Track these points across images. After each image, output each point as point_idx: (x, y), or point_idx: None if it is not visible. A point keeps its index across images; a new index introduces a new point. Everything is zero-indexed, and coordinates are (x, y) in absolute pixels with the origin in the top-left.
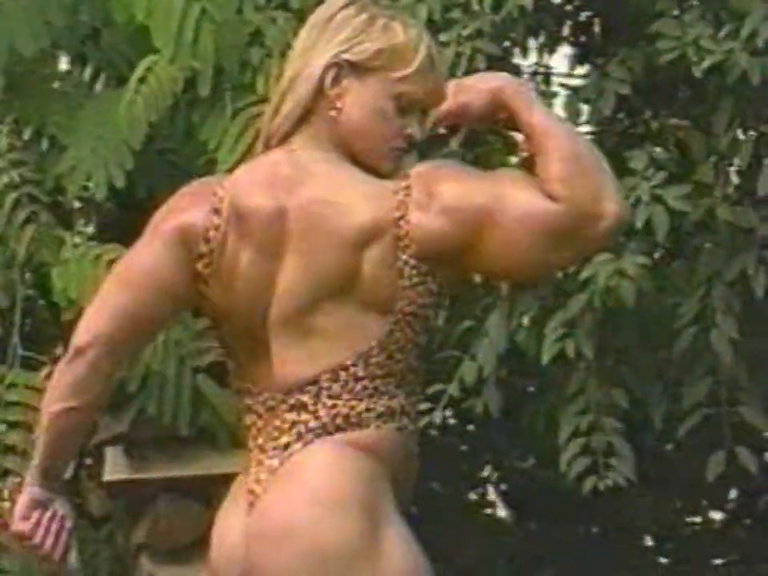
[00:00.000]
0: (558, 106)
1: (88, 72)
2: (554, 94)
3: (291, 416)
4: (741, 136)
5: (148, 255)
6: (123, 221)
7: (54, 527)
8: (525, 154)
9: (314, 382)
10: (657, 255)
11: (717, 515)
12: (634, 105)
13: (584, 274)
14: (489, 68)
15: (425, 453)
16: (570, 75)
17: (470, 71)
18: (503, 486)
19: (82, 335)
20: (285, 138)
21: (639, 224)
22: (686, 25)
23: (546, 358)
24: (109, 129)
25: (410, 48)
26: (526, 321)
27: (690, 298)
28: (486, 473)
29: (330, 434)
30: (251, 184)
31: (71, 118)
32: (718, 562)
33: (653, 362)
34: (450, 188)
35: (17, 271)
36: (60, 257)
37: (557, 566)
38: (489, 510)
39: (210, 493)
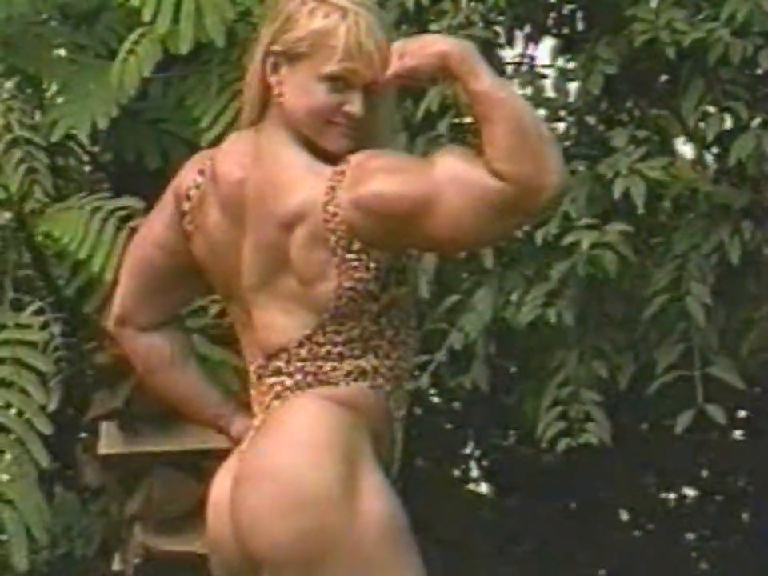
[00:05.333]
0: (548, 88)
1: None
2: (543, 76)
3: (271, 380)
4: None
5: (156, 222)
6: (115, 191)
7: None
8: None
9: (285, 349)
10: (636, 231)
11: (690, 492)
12: (619, 90)
13: (567, 239)
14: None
15: (410, 431)
16: (552, 66)
17: None
18: (485, 463)
19: (109, 320)
20: (257, 121)
21: (617, 195)
22: (660, 9)
23: (524, 322)
24: (99, 89)
25: (330, 33)
26: (514, 297)
27: (665, 268)
28: (468, 450)
29: (303, 389)
30: (229, 152)
31: (65, 82)
32: (691, 536)
33: (629, 330)
34: (378, 186)
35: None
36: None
37: (535, 539)
38: (471, 486)
39: (201, 466)
